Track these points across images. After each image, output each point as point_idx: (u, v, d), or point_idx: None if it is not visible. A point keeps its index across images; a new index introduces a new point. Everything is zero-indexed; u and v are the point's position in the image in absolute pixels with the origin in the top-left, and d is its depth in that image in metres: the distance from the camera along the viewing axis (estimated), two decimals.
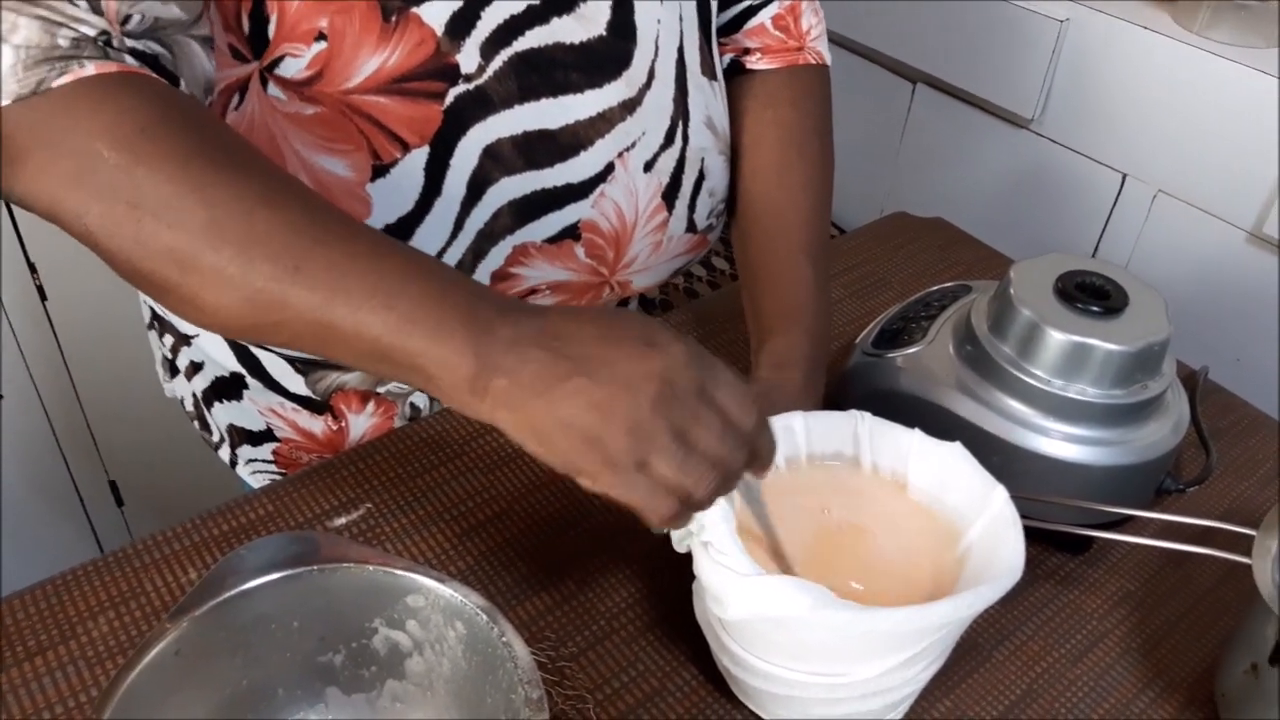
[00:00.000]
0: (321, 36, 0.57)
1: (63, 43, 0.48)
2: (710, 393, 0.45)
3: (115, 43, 0.50)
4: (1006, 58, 1.38)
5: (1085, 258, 0.67)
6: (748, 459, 0.46)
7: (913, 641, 0.49)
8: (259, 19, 0.57)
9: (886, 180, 1.64)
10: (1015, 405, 0.65)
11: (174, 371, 0.81)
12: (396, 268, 0.47)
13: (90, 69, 0.48)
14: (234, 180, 0.47)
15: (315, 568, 0.50)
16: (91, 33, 0.49)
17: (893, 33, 1.52)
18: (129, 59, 0.50)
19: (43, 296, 1.37)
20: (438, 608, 0.50)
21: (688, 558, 0.53)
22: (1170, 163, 1.27)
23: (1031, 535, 0.53)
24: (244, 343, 0.73)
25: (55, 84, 0.47)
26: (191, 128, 0.49)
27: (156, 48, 0.52)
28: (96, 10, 0.49)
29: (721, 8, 0.76)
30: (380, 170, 0.61)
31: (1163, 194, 1.29)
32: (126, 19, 0.50)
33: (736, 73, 0.77)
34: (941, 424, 0.64)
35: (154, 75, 0.51)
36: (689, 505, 0.45)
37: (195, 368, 0.78)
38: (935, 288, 0.77)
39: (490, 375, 0.44)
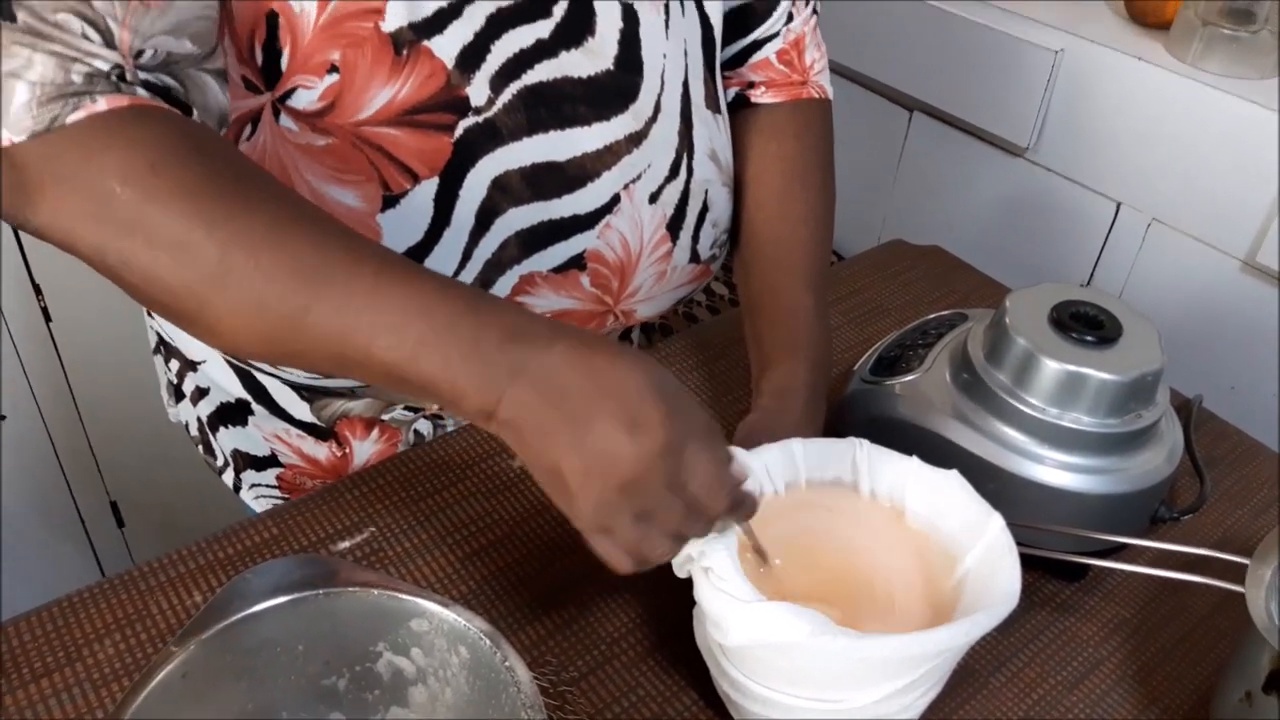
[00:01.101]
0: (334, 69, 0.58)
1: (76, 78, 0.49)
2: (681, 481, 0.47)
3: (129, 76, 0.51)
4: (1002, 87, 1.40)
5: (1080, 287, 0.68)
6: (728, 513, 0.51)
7: (910, 668, 0.49)
8: (272, 51, 0.58)
9: (883, 207, 1.65)
10: (1011, 433, 0.66)
11: (179, 396, 0.82)
12: (399, 302, 0.48)
13: (103, 104, 0.49)
14: (245, 213, 0.49)
15: (321, 591, 0.50)
16: (105, 67, 0.50)
17: (889, 61, 1.54)
18: (141, 91, 0.51)
19: (47, 318, 1.37)
20: (441, 632, 0.50)
21: (688, 583, 0.54)
22: (1164, 191, 1.28)
23: (1027, 562, 0.54)
24: (248, 368, 0.74)
25: (69, 120, 0.48)
26: (203, 159, 0.50)
27: (169, 81, 0.54)
28: (110, 45, 0.50)
29: (727, 42, 0.77)
30: (390, 201, 0.62)
31: (1157, 222, 1.30)
32: (140, 53, 0.51)
33: (741, 106, 0.78)
34: (938, 451, 0.65)
35: (167, 107, 0.52)
36: (647, 565, 0.49)
37: (201, 393, 0.79)
38: (932, 316, 0.78)
39: (494, 405, 0.47)
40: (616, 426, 0.46)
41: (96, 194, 0.48)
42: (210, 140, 0.53)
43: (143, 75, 0.52)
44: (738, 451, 0.53)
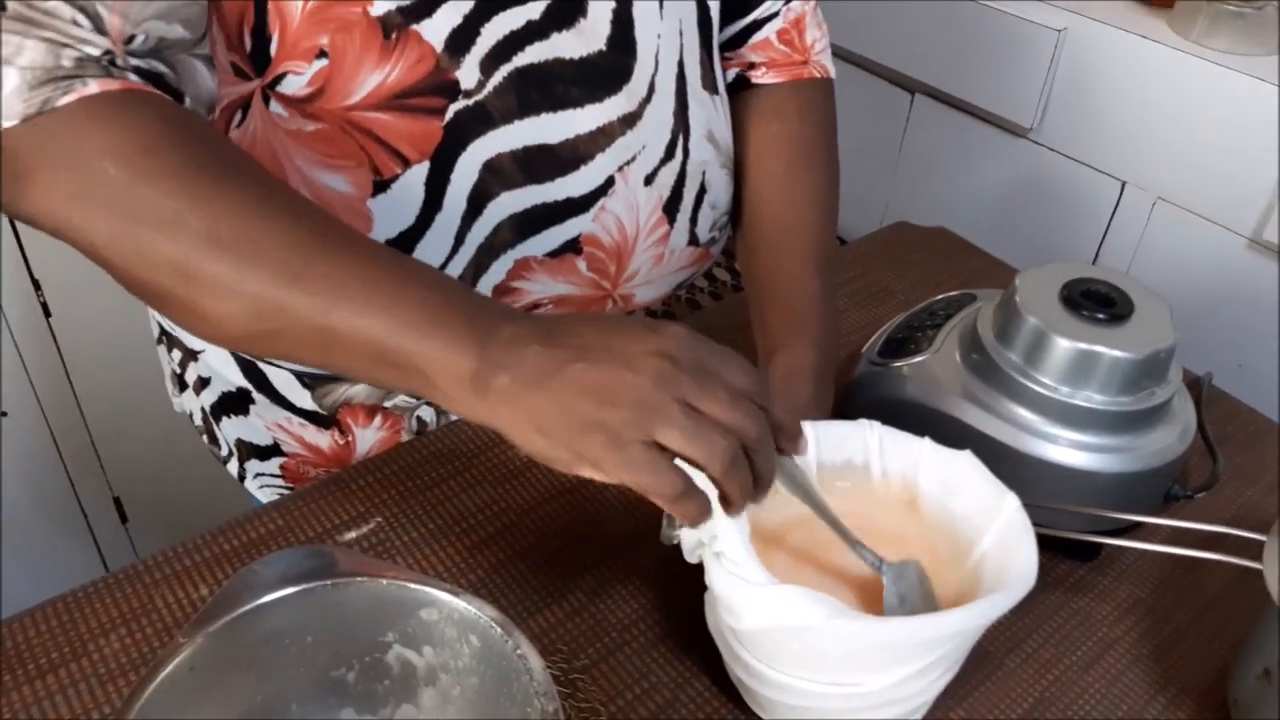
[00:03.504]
0: (322, 54, 0.58)
1: (67, 63, 0.49)
2: (715, 368, 0.45)
3: (119, 61, 0.51)
4: (1004, 67, 1.39)
5: (1090, 266, 0.68)
6: (765, 430, 0.47)
7: (927, 651, 0.49)
8: (261, 37, 0.58)
9: (886, 190, 1.64)
10: (1022, 413, 0.65)
11: (182, 386, 0.81)
12: (396, 274, 0.48)
13: (94, 87, 0.49)
14: (233, 192, 0.49)
15: (329, 582, 0.49)
16: (95, 52, 0.50)
17: (891, 43, 1.53)
18: (132, 76, 0.51)
19: (46, 313, 1.37)
20: (452, 621, 0.50)
21: (699, 568, 0.53)
22: (1169, 170, 1.27)
23: (1040, 542, 0.53)
24: (249, 357, 0.73)
25: (60, 103, 0.48)
26: (193, 142, 0.50)
27: (160, 66, 0.53)
28: (100, 30, 0.50)
29: (726, 23, 0.76)
30: (381, 186, 0.61)
31: (1162, 201, 1.29)
32: (130, 39, 0.51)
33: (742, 87, 0.77)
34: (948, 432, 0.64)
35: (157, 92, 0.52)
36: (693, 488, 0.45)
37: (203, 383, 0.78)
38: (940, 297, 0.77)
39: (491, 372, 0.45)
40: (635, 331, 0.45)
41: (88, 175, 0.48)
42: (200, 126, 0.53)
43: (133, 61, 0.52)
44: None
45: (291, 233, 0.48)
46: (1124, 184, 1.33)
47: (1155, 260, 1.33)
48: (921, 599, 0.54)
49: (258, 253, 0.48)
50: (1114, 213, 1.35)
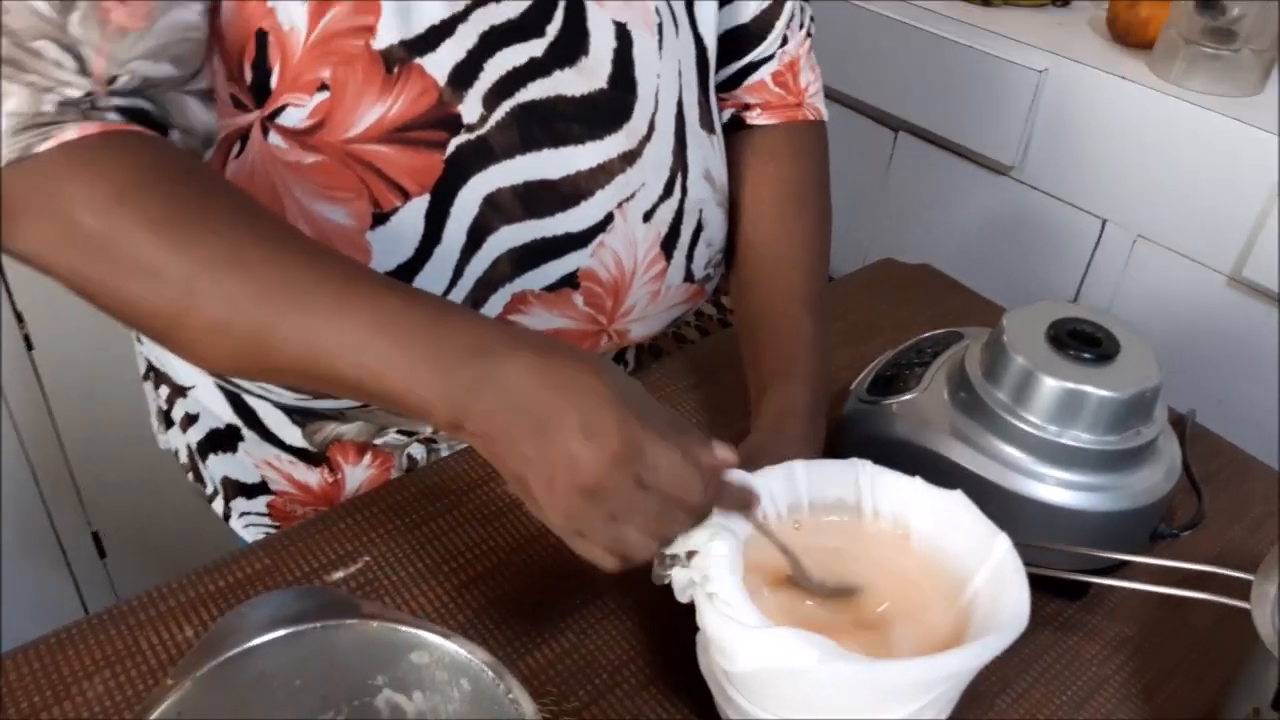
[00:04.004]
0: (324, 87, 0.58)
1: (48, 108, 0.50)
2: (648, 479, 0.47)
3: (100, 103, 0.51)
4: (987, 106, 1.41)
5: (1077, 305, 0.68)
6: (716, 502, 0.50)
7: (921, 693, 0.49)
8: (261, 70, 0.58)
9: (869, 227, 1.66)
10: (1010, 451, 0.65)
11: (169, 423, 0.81)
12: (362, 319, 0.49)
13: (72, 132, 0.50)
14: (208, 239, 0.50)
15: (319, 624, 0.49)
16: (76, 95, 0.50)
17: (874, 82, 1.55)
18: (113, 116, 0.52)
19: (29, 346, 1.36)
20: (442, 665, 0.49)
21: (690, 608, 0.53)
22: (1149, 208, 1.29)
23: (1029, 581, 0.53)
24: (238, 392, 0.73)
25: (39, 149, 0.49)
26: (169, 185, 0.51)
27: (144, 105, 0.54)
28: (84, 72, 0.50)
29: (723, 64, 0.77)
30: (380, 218, 0.61)
31: (1142, 239, 1.31)
32: (114, 79, 0.52)
33: (737, 128, 0.78)
34: (937, 470, 0.64)
35: (138, 129, 0.53)
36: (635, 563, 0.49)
37: (190, 419, 0.78)
38: (926, 335, 0.78)
39: (462, 416, 0.48)
40: (573, 434, 0.46)
41: (63, 223, 0.49)
42: (179, 162, 0.53)
43: (116, 101, 0.52)
44: (734, 473, 0.52)
45: (268, 275, 0.49)
46: (1105, 222, 1.34)
47: (1136, 297, 1.34)
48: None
49: (235, 302, 0.49)
50: (1095, 250, 1.37)
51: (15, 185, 0.49)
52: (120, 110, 0.52)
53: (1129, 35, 1.34)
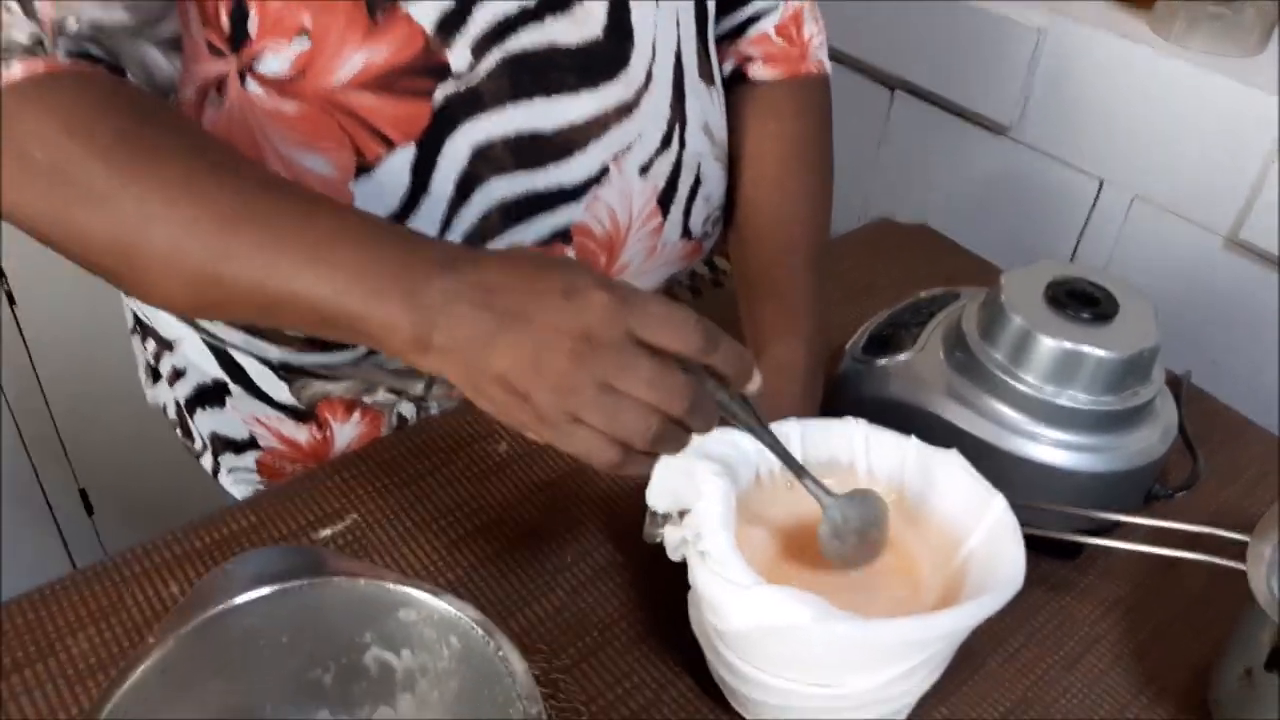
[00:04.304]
0: (304, 33, 0.56)
1: None
2: (639, 335, 0.44)
3: (47, 46, 0.50)
4: (984, 65, 1.39)
5: (1075, 264, 0.68)
6: (693, 398, 0.45)
7: (914, 652, 0.48)
8: (239, 15, 0.56)
9: (865, 186, 1.64)
10: (1006, 411, 0.65)
11: (156, 378, 0.80)
12: (325, 234, 0.48)
13: (18, 70, 0.49)
14: (159, 169, 0.49)
15: (305, 582, 0.48)
16: (21, 37, 0.49)
17: (871, 39, 1.53)
18: (61, 57, 0.51)
19: (10, 301, 1.34)
20: (431, 622, 0.48)
21: (681, 565, 0.52)
22: (1146, 168, 1.28)
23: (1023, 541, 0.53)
24: (225, 349, 0.72)
25: None
26: (118, 117, 0.50)
27: (95, 51, 0.53)
28: (30, 15, 0.50)
29: (725, 14, 0.76)
30: (364, 168, 0.60)
31: (1139, 200, 1.30)
32: (62, 24, 0.51)
33: (739, 82, 0.76)
34: (932, 429, 0.64)
35: (86, 67, 0.52)
36: (636, 451, 0.45)
37: (178, 374, 0.76)
38: (924, 294, 0.77)
39: (429, 332, 0.45)
40: (554, 301, 0.44)
41: (16, 160, 0.49)
42: (129, 96, 0.52)
43: (66, 45, 0.51)
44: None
45: (217, 207, 0.49)
46: (1102, 182, 1.33)
47: (1132, 258, 1.33)
48: (861, 535, 0.54)
49: (186, 232, 0.48)
50: (1092, 210, 1.36)
51: None
52: (71, 55, 0.51)
53: None
